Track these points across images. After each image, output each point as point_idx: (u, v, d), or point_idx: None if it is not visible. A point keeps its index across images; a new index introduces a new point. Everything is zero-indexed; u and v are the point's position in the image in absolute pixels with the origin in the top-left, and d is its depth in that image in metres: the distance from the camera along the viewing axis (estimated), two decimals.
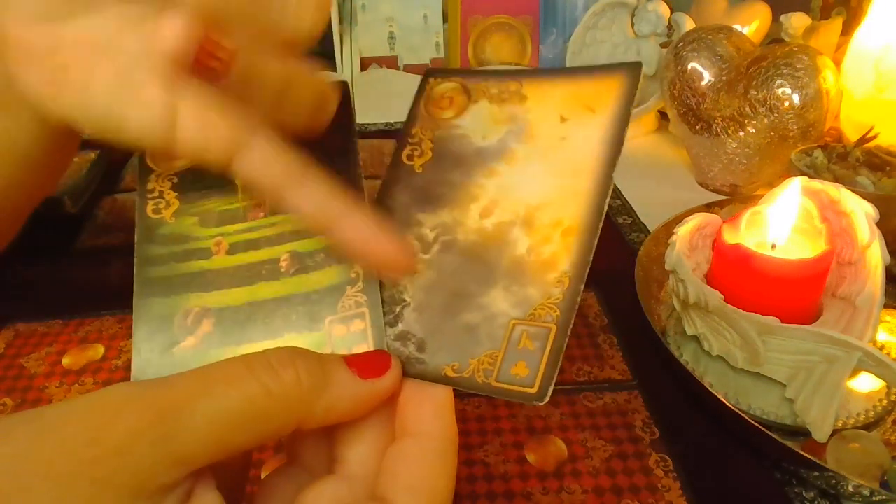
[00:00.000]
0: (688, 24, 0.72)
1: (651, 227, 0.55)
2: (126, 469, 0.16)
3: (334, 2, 0.85)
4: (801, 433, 0.36)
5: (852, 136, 0.61)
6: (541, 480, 0.34)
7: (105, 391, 0.17)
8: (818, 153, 0.55)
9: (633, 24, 0.78)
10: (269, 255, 0.25)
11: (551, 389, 0.20)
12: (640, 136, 0.80)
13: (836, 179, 0.52)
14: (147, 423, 0.17)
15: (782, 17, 0.74)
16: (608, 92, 0.26)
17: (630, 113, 0.25)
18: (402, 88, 0.88)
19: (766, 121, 0.59)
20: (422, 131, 0.28)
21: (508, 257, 0.24)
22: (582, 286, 0.22)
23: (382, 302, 0.24)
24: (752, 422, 0.34)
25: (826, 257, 0.37)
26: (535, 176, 0.25)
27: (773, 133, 0.60)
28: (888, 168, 0.53)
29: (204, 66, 0.22)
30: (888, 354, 0.39)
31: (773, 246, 0.39)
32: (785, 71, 0.58)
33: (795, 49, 0.59)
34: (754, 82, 0.59)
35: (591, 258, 0.23)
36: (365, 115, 0.87)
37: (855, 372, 0.35)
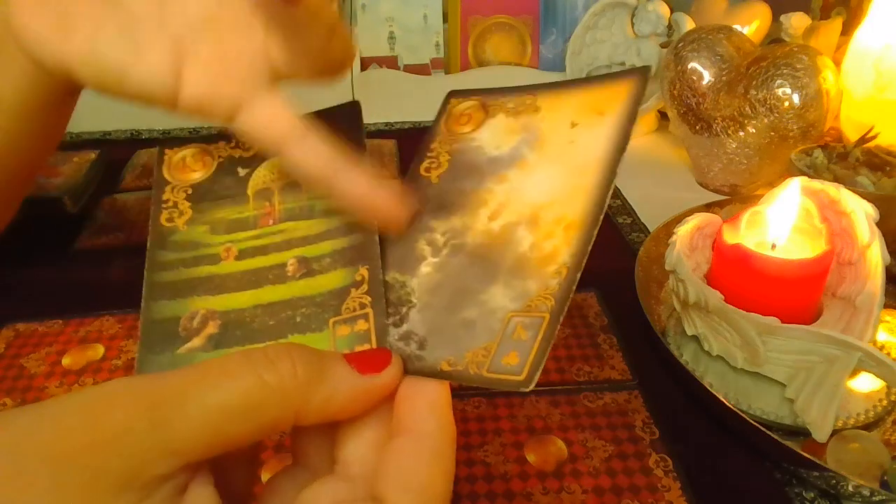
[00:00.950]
0: (688, 24, 0.72)
1: (651, 227, 0.55)
2: (119, 457, 0.16)
3: (334, 2, 0.85)
4: (801, 433, 0.36)
5: (852, 136, 0.61)
6: (541, 480, 0.34)
7: (104, 384, 0.18)
8: (818, 153, 0.55)
9: (633, 24, 0.78)
10: (277, 260, 0.26)
11: (538, 375, 0.21)
12: (640, 136, 0.80)
13: (836, 179, 0.52)
14: (141, 411, 0.17)
15: (782, 17, 0.74)
16: (617, 96, 0.26)
17: (637, 112, 0.25)
18: (402, 88, 0.88)
19: (766, 121, 0.59)
20: (440, 146, 0.29)
21: (512, 255, 0.24)
22: (578, 275, 0.22)
23: (389, 303, 0.24)
24: (752, 422, 0.34)
25: (826, 257, 0.37)
26: (543, 179, 0.26)
27: (773, 133, 0.60)
28: (888, 168, 0.53)
29: None
30: (888, 354, 0.39)
31: (773, 246, 0.39)
32: (785, 71, 0.58)
33: (795, 49, 0.59)
34: (754, 82, 0.59)
35: (590, 248, 0.23)
36: (365, 115, 0.86)
37: (855, 372, 0.35)
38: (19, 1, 0.24)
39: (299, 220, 0.27)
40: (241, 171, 0.29)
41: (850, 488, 0.32)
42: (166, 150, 0.29)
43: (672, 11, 0.75)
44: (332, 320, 0.24)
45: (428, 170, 0.28)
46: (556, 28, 0.95)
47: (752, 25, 0.78)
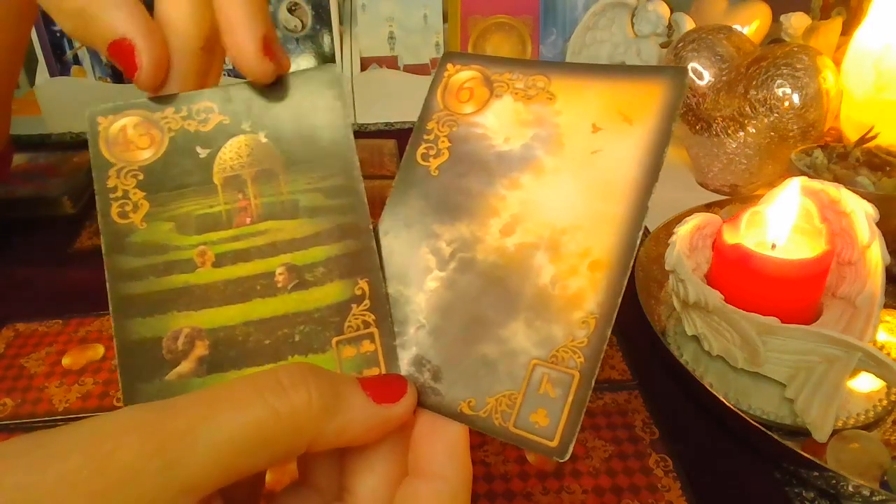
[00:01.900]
0: (688, 24, 0.72)
1: (651, 227, 0.54)
2: (131, 501, 0.16)
3: (334, 2, 0.85)
4: (801, 433, 0.36)
5: (852, 136, 0.61)
6: (541, 480, 0.34)
7: (108, 416, 0.17)
8: (818, 153, 0.55)
9: (633, 24, 0.78)
10: (263, 269, 0.23)
11: (573, 445, 0.19)
12: None
13: (836, 179, 0.52)
14: (151, 451, 0.16)
15: (782, 17, 0.74)
16: (648, 101, 0.23)
17: (672, 129, 0.22)
18: (402, 88, 0.88)
19: (766, 121, 0.59)
20: (438, 127, 0.26)
21: (531, 286, 0.22)
22: (609, 331, 0.21)
23: (394, 322, 0.23)
24: (752, 422, 0.34)
25: (826, 257, 0.37)
26: (563, 194, 0.23)
27: (773, 133, 0.60)
28: (888, 168, 0.53)
29: None
30: (888, 354, 0.39)
31: (773, 246, 0.39)
32: (785, 71, 0.58)
33: (795, 49, 0.59)
34: (754, 82, 0.59)
35: (620, 300, 0.21)
36: (365, 115, 0.87)
37: (855, 372, 0.35)
38: None
39: (282, 220, 0.24)
40: (202, 152, 0.24)
41: (850, 488, 0.32)
42: (99, 118, 0.24)
43: (672, 11, 0.75)
44: (335, 340, 0.22)
45: (426, 157, 0.25)
46: (556, 28, 0.95)
47: (752, 25, 0.78)
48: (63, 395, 0.40)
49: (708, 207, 0.55)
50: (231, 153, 0.24)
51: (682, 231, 0.41)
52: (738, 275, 0.38)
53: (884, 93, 0.61)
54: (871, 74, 0.61)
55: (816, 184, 0.40)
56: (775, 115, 0.59)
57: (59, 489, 0.15)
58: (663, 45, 0.75)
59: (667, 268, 0.41)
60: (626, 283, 0.21)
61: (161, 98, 0.24)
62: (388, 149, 0.75)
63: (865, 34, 0.63)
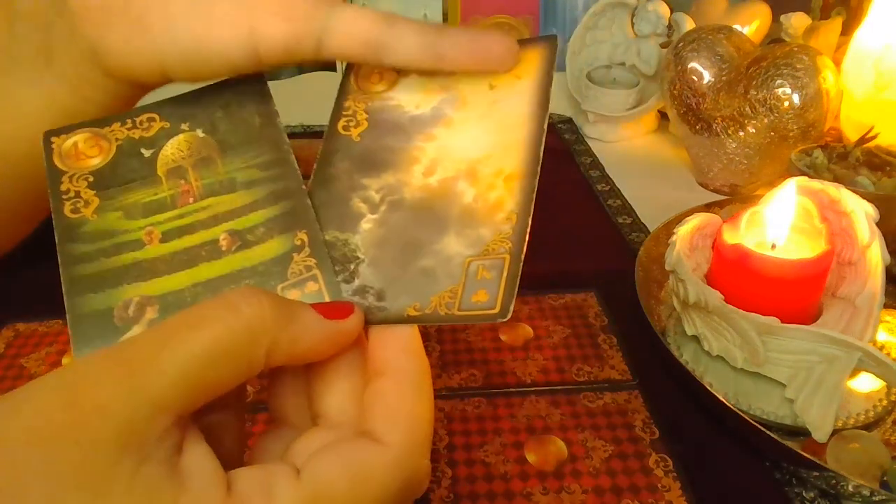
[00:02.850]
0: (688, 24, 0.72)
1: (651, 227, 0.55)
2: (107, 426, 0.16)
3: None
4: (801, 433, 0.36)
5: (852, 136, 0.61)
6: (541, 480, 0.34)
7: (72, 363, 0.18)
8: (818, 153, 0.55)
9: (633, 24, 0.78)
10: (207, 237, 0.25)
11: (512, 307, 0.21)
12: (640, 136, 0.80)
13: (836, 179, 0.52)
14: (118, 378, 0.17)
15: (782, 17, 0.74)
16: (530, 62, 0.27)
17: (552, 76, 0.27)
18: None
19: (766, 121, 0.59)
20: (355, 103, 0.28)
21: (458, 207, 0.25)
22: (529, 220, 0.23)
23: (334, 261, 0.24)
24: (752, 422, 0.34)
25: (826, 257, 0.37)
26: (473, 136, 0.26)
27: (773, 133, 0.60)
28: (888, 168, 0.53)
29: None
30: (888, 354, 0.39)
31: (773, 246, 0.39)
32: (785, 71, 0.58)
33: (795, 49, 0.59)
34: (754, 82, 0.59)
35: (534, 196, 0.24)
36: None
37: (855, 372, 0.35)
38: (87, 22, 0.25)
39: (221, 195, 0.26)
40: (146, 152, 0.27)
41: (850, 488, 0.32)
42: (52, 139, 0.26)
43: (672, 11, 0.75)
44: (279, 286, 0.24)
45: (347, 128, 0.28)
46: (556, 28, 0.95)
47: (752, 25, 0.78)
48: None
49: (708, 207, 0.55)
50: (172, 149, 0.27)
51: (682, 231, 0.41)
52: (737, 275, 0.38)
53: (884, 93, 0.61)
54: (871, 74, 0.61)
55: (816, 184, 0.40)
56: (775, 115, 0.59)
57: (33, 425, 0.16)
58: (663, 45, 0.75)
59: (667, 268, 0.41)
60: (536, 185, 0.24)
61: (108, 117, 0.27)
62: None
63: (865, 34, 0.63)
